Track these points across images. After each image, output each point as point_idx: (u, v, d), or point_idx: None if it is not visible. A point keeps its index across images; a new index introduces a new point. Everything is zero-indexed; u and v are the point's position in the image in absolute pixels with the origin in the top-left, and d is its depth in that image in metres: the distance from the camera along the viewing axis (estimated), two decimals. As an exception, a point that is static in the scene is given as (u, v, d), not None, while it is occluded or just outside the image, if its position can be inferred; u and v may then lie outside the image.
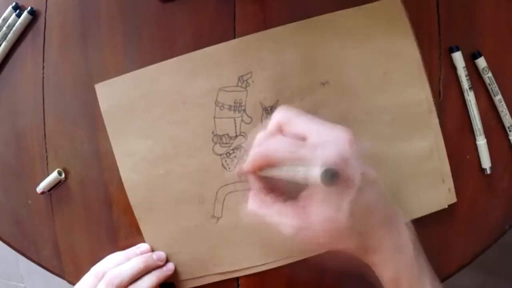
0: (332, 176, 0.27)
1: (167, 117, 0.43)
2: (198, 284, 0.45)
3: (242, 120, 0.43)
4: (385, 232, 0.33)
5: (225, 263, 0.44)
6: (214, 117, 0.43)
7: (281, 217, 0.33)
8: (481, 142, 0.43)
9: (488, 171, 0.43)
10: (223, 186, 0.43)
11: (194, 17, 0.43)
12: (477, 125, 0.43)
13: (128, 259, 0.43)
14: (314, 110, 0.41)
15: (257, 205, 0.35)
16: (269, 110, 0.42)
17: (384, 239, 0.33)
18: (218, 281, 0.45)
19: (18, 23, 0.44)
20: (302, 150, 0.31)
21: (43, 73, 0.45)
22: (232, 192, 0.43)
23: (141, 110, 0.43)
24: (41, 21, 0.45)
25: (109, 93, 0.43)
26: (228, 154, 0.43)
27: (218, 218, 0.43)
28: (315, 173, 0.28)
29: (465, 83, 0.42)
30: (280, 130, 0.35)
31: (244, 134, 0.43)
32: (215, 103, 0.42)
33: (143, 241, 0.44)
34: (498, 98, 0.43)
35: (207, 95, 0.42)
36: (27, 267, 1.15)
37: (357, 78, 0.42)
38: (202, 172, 0.43)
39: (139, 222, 0.44)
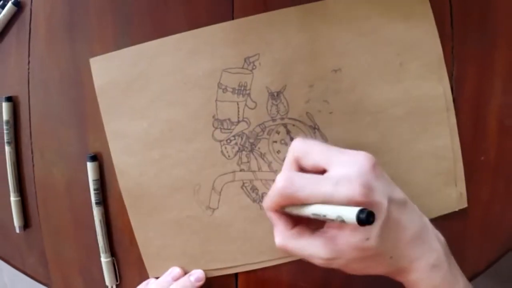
0: (368, 216, 0.28)
1: (165, 97, 0.41)
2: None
3: (246, 104, 0.40)
4: (417, 251, 0.34)
5: (218, 259, 0.42)
6: (216, 100, 0.40)
7: (311, 250, 0.33)
8: None
9: None
10: (221, 175, 0.41)
11: (189, 7, 0.41)
12: None
13: None
14: (323, 99, 0.40)
15: (285, 241, 0.35)
16: (275, 96, 0.40)
17: (416, 259, 0.33)
18: (216, 280, 0.42)
19: (1, 15, 0.42)
20: (324, 186, 0.31)
21: (28, 69, 0.43)
22: (230, 182, 0.41)
23: (138, 89, 0.41)
24: (26, 12, 0.43)
25: (105, 69, 0.41)
26: (228, 141, 0.41)
27: (213, 210, 0.41)
28: (350, 215, 0.28)
29: None
30: (297, 163, 0.34)
31: (247, 120, 0.41)
32: (218, 85, 0.40)
33: (135, 248, 0.42)
34: None
35: (210, 76, 0.40)
36: (11, 275, 1.14)
37: (372, 68, 0.40)
38: (199, 158, 0.41)
39: (128, 210, 0.42)
